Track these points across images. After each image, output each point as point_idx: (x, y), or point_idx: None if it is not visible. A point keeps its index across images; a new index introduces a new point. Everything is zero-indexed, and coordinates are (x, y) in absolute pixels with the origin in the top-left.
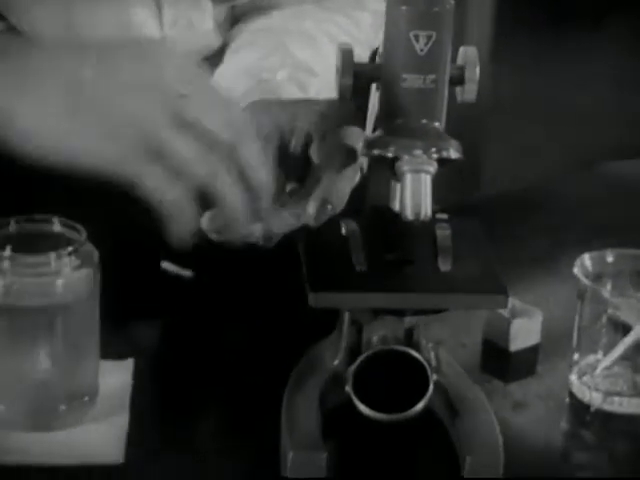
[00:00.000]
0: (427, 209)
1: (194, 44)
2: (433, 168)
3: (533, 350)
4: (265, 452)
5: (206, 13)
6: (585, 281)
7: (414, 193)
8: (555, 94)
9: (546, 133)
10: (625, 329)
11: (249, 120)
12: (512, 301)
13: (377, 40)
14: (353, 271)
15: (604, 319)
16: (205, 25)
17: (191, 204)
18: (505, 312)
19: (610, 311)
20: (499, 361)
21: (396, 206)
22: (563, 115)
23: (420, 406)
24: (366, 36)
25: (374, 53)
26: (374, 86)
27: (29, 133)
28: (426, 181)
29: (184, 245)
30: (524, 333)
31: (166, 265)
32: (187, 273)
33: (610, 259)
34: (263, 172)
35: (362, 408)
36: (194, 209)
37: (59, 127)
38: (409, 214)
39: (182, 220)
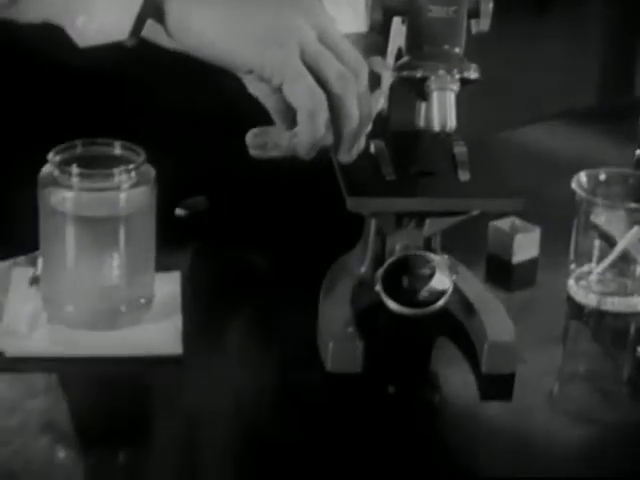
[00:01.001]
0: (452, 122)
1: None
2: (456, 87)
3: (533, 262)
4: (302, 351)
5: None
6: (581, 193)
7: (441, 108)
8: (502, 79)
9: None
10: (613, 241)
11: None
12: (513, 219)
13: None
14: (384, 180)
15: (596, 233)
16: None
17: (325, 113)
18: (507, 228)
19: (601, 224)
20: (502, 273)
21: (421, 123)
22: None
23: (442, 302)
24: None
25: None
26: (395, 20)
27: (202, 34)
28: (451, 98)
29: (309, 155)
30: (525, 247)
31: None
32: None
33: (602, 177)
34: (372, 100)
35: (391, 304)
36: (326, 119)
37: (228, 31)
38: (436, 126)
39: (314, 128)
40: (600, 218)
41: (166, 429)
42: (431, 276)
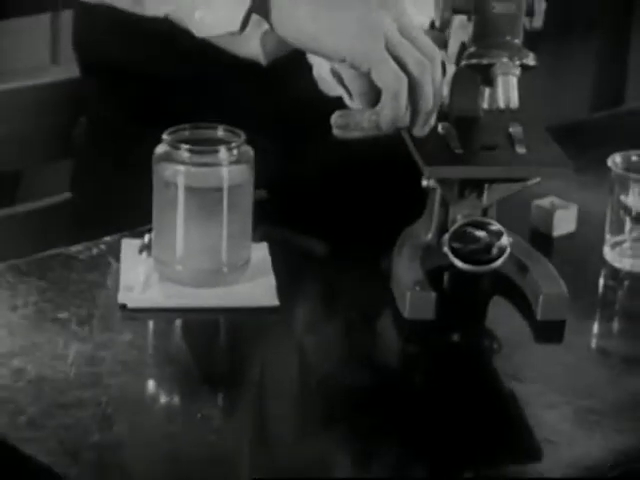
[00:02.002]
0: (515, 100)
1: None
2: (518, 72)
3: (571, 236)
4: (380, 304)
5: None
6: (616, 169)
7: (505, 89)
8: None
9: None
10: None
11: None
12: (553, 198)
13: None
14: (453, 153)
15: (626, 208)
16: None
17: (406, 93)
18: (548, 205)
19: (630, 201)
20: (544, 245)
21: (485, 105)
22: None
23: (501, 261)
24: None
25: None
26: (457, 18)
27: (303, 28)
28: (513, 81)
29: (389, 130)
30: (564, 222)
31: None
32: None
33: (635, 158)
34: (444, 87)
35: (457, 262)
36: (406, 98)
37: (326, 25)
38: (502, 104)
39: (397, 105)
40: (630, 198)
41: (267, 367)
42: (492, 238)
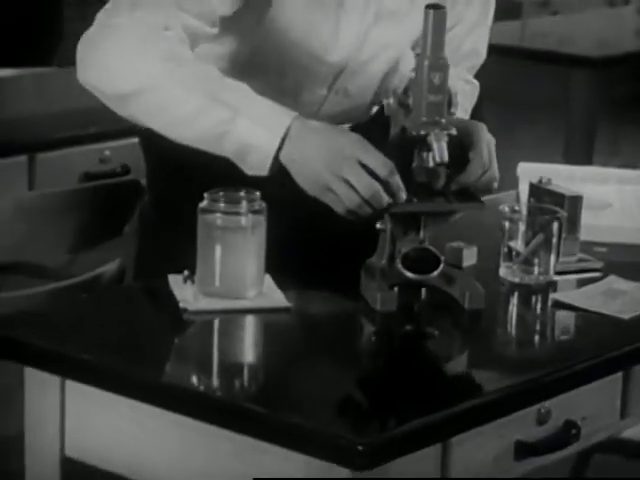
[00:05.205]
0: (445, 157)
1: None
2: (446, 139)
3: (474, 266)
4: (355, 301)
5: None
6: (504, 218)
7: (439, 150)
8: None
9: None
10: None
11: (390, 163)
12: (460, 242)
13: None
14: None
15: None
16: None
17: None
18: (457, 246)
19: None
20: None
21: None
22: None
23: (436, 272)
24: None
25: None
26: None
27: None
28: (443, 145)
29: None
30: (469, 257)
31: None
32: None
33: (517, 208)
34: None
35: (407, 273)
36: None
37: (303, 173)
38: (437, 159)
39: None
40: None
41: (284, 352)
42: (428, 257)
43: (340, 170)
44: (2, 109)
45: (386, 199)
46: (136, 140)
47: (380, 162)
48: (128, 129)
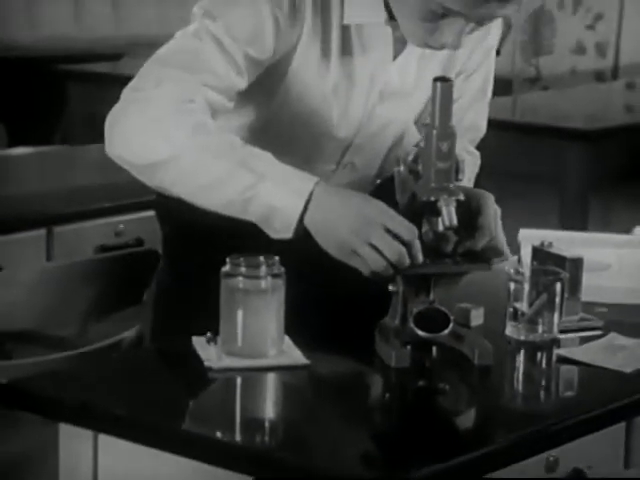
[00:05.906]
0: (455, 222)
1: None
2: (454, 204)
3: (481, 326)
4: (370, 359)
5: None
6: (510, 280)
7: (448, 215)
8: None
9: None
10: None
11: (414, 227)
12: (467, 303)
13: None
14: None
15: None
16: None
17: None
18: (465, 307)
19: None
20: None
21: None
22: None
23: (446, 331)
24: None
25: None
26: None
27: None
28: (452, 210)
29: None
30: (476, 317)
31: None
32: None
33: (521, 270)
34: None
35: (419, 332)
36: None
37: (329, 237)
38: (446, 224)
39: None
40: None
41: (303, 407)
42: (439, 317)
43: (367, 236)
44: (20, 185)
45: (408, 261)
46: (148, 214)
47: (405, 228)
48: (141, 203)
